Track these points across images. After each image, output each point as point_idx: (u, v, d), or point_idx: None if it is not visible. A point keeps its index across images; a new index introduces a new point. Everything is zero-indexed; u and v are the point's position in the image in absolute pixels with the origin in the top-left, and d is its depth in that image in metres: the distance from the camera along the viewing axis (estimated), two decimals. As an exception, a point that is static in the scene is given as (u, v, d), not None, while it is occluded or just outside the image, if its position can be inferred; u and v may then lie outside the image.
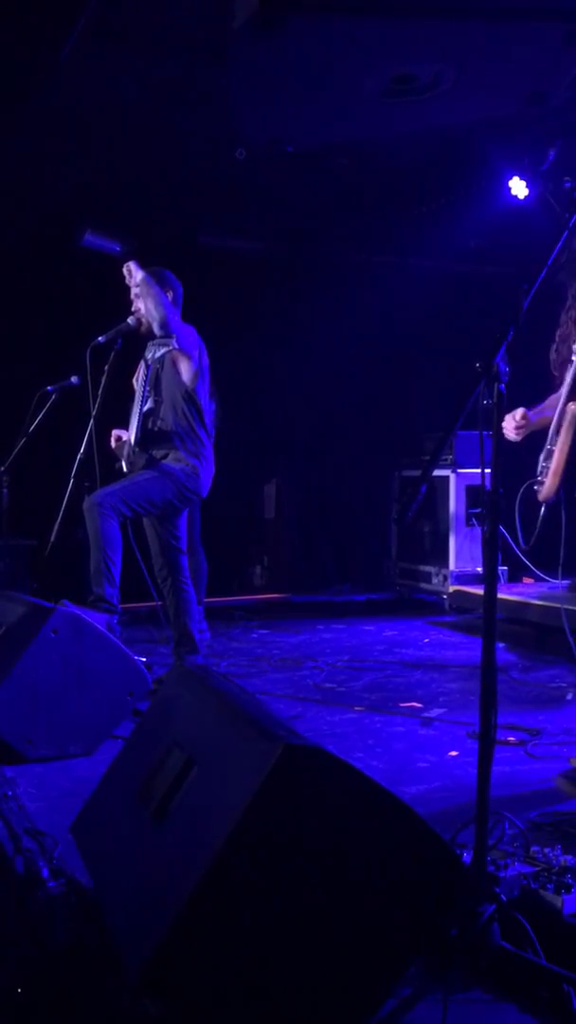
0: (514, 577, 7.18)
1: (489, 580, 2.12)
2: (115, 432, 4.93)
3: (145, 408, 4.77)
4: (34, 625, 3.58)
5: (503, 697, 2.35)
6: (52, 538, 4.92)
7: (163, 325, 4.63)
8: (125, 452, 4.82)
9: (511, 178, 6.69)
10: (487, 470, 2.23)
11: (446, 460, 7.42)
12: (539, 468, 3.28)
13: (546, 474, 3.23)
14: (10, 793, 3.10)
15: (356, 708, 4.46)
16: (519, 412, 3.24)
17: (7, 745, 3.42)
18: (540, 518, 3.27)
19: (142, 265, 4.71)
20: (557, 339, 3.31)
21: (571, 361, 3.23)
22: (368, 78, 4.76)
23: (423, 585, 7.97)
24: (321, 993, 1.72)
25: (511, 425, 3.22)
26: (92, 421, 4.77)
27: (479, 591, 4.80)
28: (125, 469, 4.83)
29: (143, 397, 4.78)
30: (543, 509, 3.26)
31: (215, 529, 6.56)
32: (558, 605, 5.16)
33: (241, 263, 8.07)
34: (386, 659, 5.78)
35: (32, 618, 3.66)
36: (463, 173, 6.96)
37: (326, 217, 7.74)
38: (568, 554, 3.21)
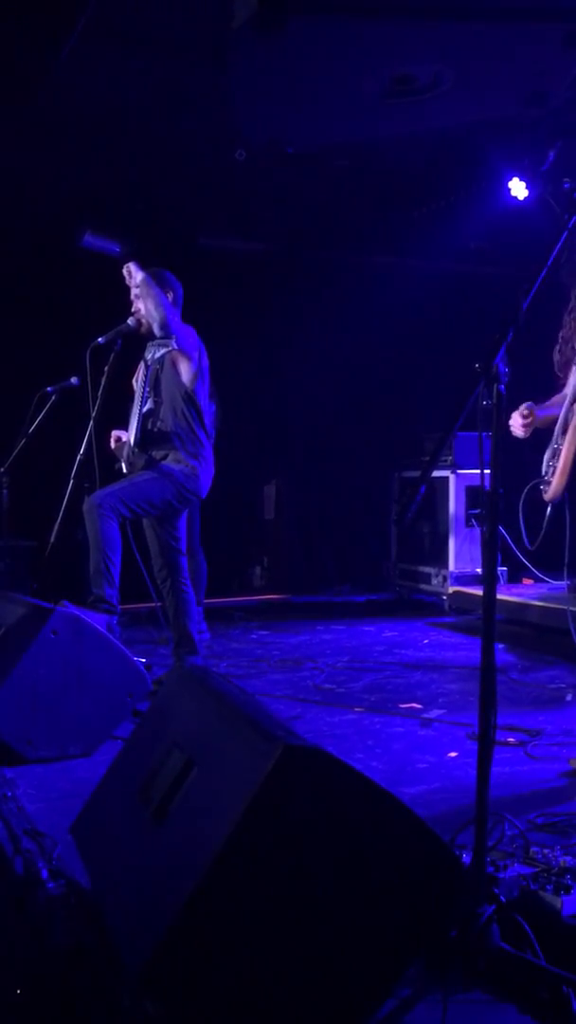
0: (514, 578, 7.18)
1: (488, 581, 2.13)
2: (115, 433, 4.93)
3: (145, 409, 4.76)
4: (34, 626, 3.57)
5: (502, 698, 2.35)
6: (52, 539, 4.91)
7: (163, 326, 4.63)
8: (125, 453, 4.82)
9: (511, 179, 6.69)
10: (487, 471, 2.23)
11: (446, 461, 7.42)
12: (545, 467, 3.26)
13: (552, 473, 3.22)
14: (10, 794, 3.09)
15: (356, 709, 4.46)
16: (525, 407, 3.21)
17: (7, 746, 3.42)
18: (546, 518, 3.26)
19: (142, 266, 4.71)
20: (560, 340, 3.29)
21: (575, 362, 3.22)
22: (368, 79, 4.76)
23: (423, 586, 7.97)
24: (321, 994, 1.72)
25: (518, 422, 3.20)
26: (92, 422, 4.77)
27: (479, 592, 4.80)
28: (125, 470, 4.82)
29: (143, 398, 4.77)
30: (548, 509, 3.24)
31: (215, 530, 6.57)
32: (561, 606, 5.16)
33: (241, 264, 8.07)
34: (386, 660, 5.78)
35: (32, 619, 3.66)
36: (463, 174, 6.97)
37: (326, 218, 7.74)
38: (573, 555, 3.20)
